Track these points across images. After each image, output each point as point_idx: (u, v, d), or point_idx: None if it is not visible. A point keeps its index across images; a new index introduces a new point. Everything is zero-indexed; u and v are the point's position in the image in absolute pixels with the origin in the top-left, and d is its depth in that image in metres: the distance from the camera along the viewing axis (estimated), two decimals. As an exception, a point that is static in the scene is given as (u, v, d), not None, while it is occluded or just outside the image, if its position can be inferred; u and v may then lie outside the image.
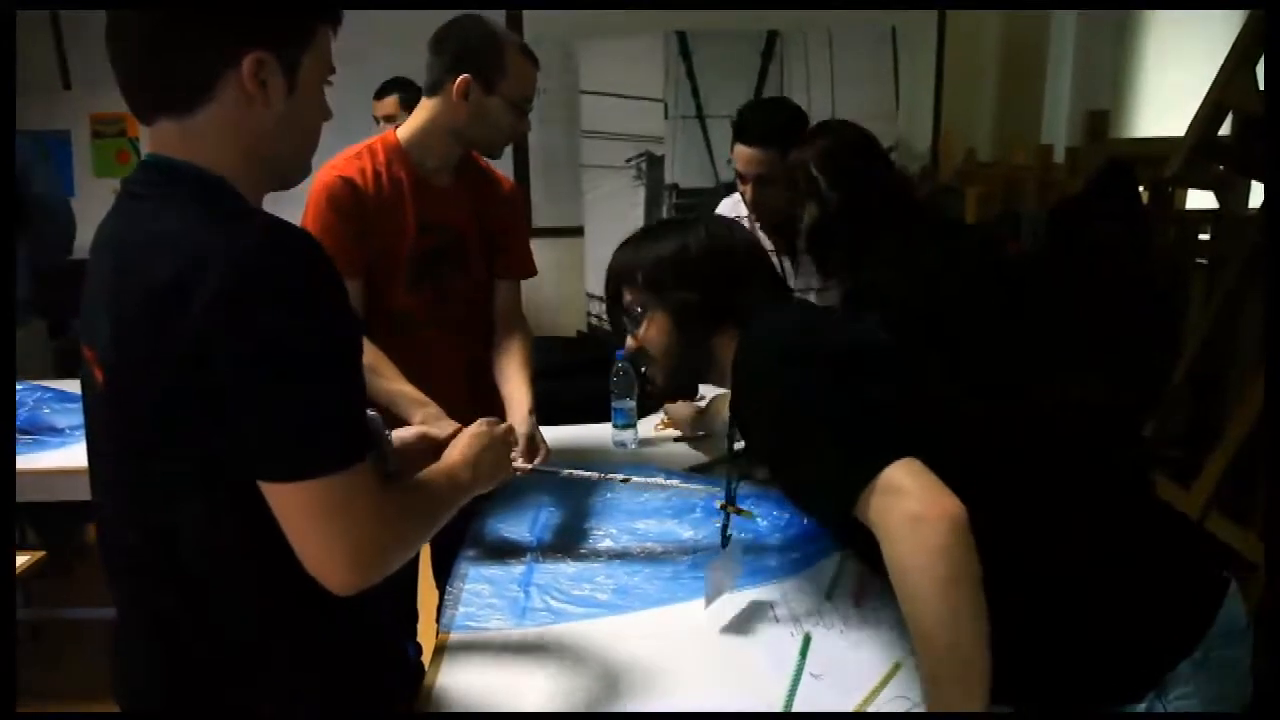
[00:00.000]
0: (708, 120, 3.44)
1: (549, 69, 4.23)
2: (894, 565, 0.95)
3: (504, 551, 1.53)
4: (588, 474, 1.57)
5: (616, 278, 1.38)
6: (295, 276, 0.82)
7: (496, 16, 3.64)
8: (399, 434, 1.30)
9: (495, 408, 1.96)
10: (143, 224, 0.87)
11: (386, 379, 1.58)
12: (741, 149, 2.00)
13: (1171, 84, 3.01)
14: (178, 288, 0.79)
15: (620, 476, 1.58)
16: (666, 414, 2.06)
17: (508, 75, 1.62)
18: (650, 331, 1.35)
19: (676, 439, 2.02)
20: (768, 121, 2.02)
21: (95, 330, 0.90)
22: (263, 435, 0.82)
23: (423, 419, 1.50)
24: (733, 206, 2.18)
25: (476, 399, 1.84)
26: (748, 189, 2.02)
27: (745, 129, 2.01)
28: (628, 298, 1.38)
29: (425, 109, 1.66)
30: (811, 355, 1.12)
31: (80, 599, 2.84)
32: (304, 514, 0.84)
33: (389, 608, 1.10)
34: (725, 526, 1.45)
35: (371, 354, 1.58)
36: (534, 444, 1.61)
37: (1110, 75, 3.34)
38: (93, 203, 4.00)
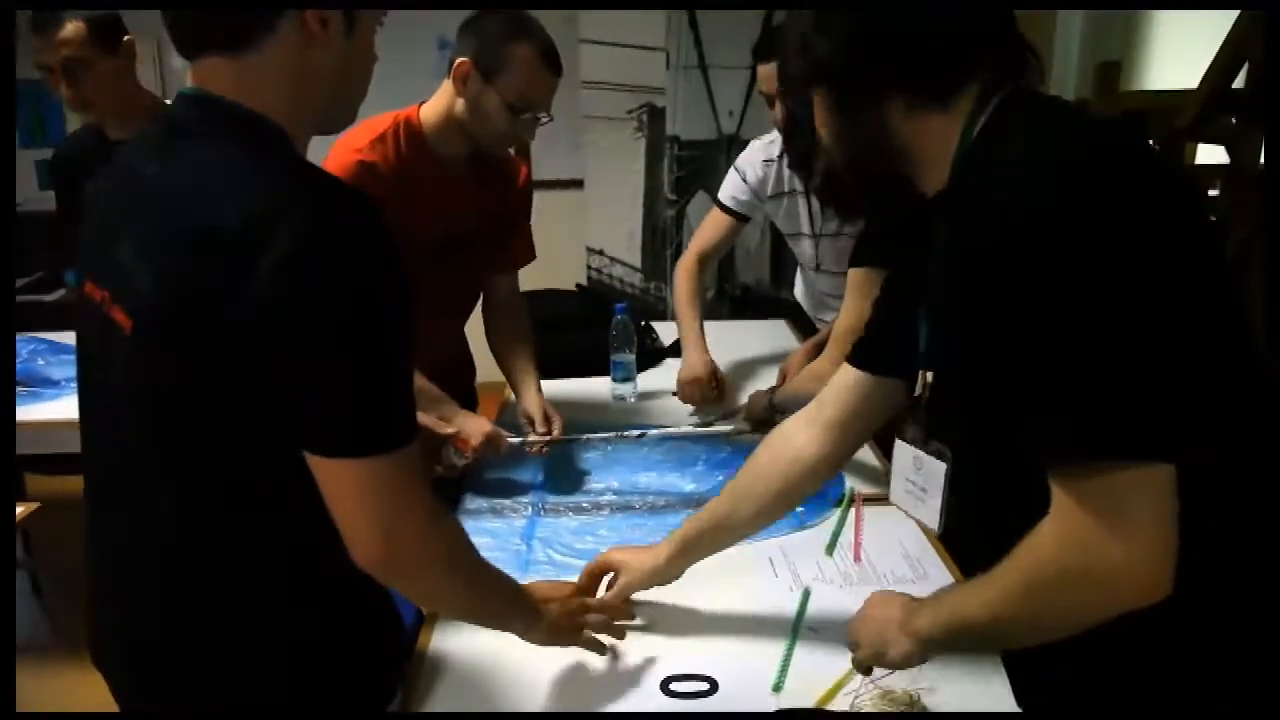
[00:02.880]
0: (710, 70, 3.37)
1: (547, 17, 4.15)
2: (1039, 585, 0.81)
3: (505, 506, 1.53)
4: (605, 436, 1.57)
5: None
6: (372, 243, 0.79)
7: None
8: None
9: (468, 385, 1.95)
10: (192, 163, 0.82)
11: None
12: (762, 68, 1.90)
13: (1186, 34, 2.94)
14: (244, 237, 0.75)
15: (635, 432, 1.56)
16: (747, 409, 1.84)
17: (507, 70, 1.48)
18: (818, 119, 0.96)
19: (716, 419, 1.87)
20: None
21: (120, 272, 0.83)
22: (330, 407, 0.79)
23: (438, 414, 1.51)
24: (762, 149, 2.06)
25: (456, 378, 1.83)
26: (776, 111, 1.91)
27: (761, 45, 1.92)
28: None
29: (442, 92, 1.58)
30: (1106, 242, 0.73)
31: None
32: (361, 492, 0.81)
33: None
34: None
35: None
36: (548, 418, 1.66)
37: (1122, 25, 3.27)
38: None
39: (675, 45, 3.37)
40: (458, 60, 1.50)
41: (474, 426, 1.53)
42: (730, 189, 2.06)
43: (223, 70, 0.83)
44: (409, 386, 0.84)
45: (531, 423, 1.66)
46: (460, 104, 1.53)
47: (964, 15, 0.85)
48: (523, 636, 1.06)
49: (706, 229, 2.11)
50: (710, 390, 1.91)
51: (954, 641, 0.92)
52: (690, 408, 1.93)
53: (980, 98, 0.86)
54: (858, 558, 1.36)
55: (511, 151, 1.79)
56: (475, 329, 1.90)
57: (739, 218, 2.08)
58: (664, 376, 2.15)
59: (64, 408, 2.10)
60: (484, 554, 1.35)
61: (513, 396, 1.83)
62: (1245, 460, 0.84)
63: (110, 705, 0.99)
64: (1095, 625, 0.79)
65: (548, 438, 1.62)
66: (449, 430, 1.26)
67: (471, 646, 1.15)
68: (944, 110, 0.87)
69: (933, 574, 1.31)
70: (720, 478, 1.59)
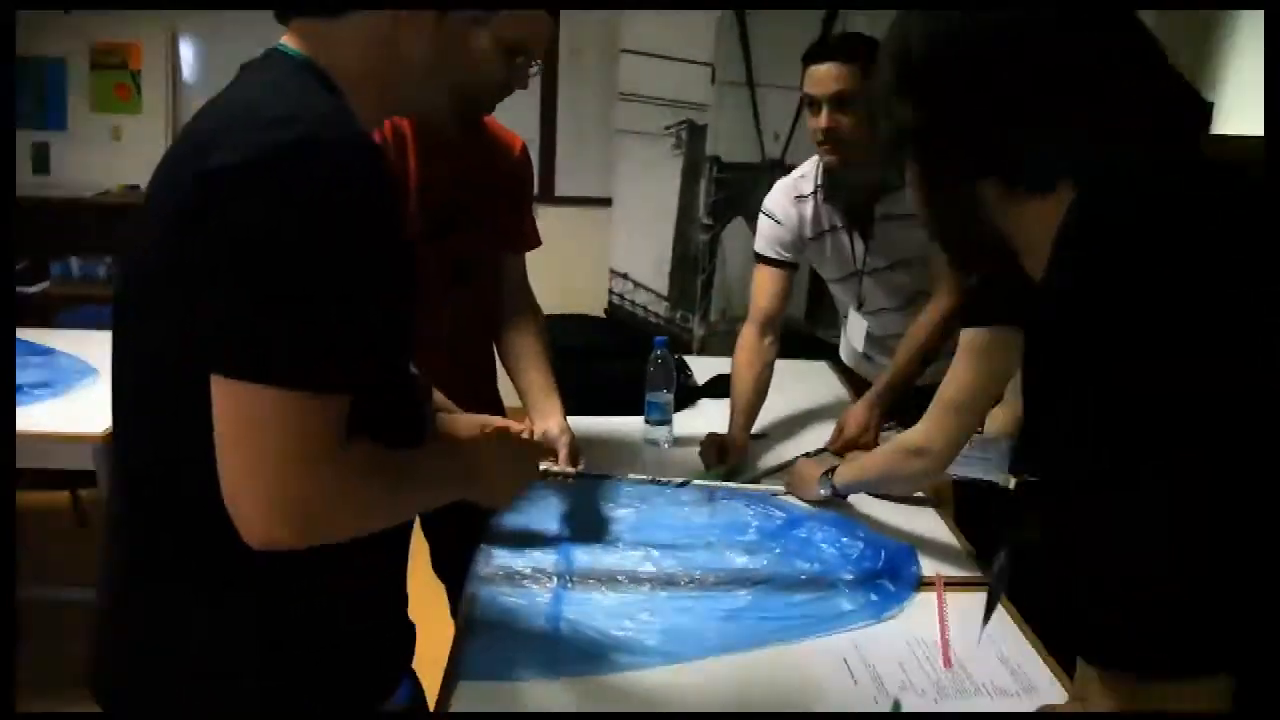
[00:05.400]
0: (758, 89, 3.16)
1: (585, 23, 4.00)
2: None
3: (524, 574, 1.29)
4: (640, 479, 1.43)
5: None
6: (348, 167, 0.75)
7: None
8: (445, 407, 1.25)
9: (478, 381, 1.70)
10: (224, 97, 0.84)
11: None
12: (814, 69, 1.72)
13: (1257, 79, 2.78)
14: (209, 143, 0.75)
15: (677, 480, 1.39)
16: (791, 480, 1.61)
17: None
18: (909, 181, 0.83)
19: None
20: (845, 39, 1.78)
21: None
22: (234, 318, 0.73)
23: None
24: (790, 187, 1.91)
25: (460, 371, 1.57)
26: (820, 118, 1.72)
27: (816, 48, 1.75)
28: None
29: None
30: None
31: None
32: (230, 422, 0.73)
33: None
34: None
35: None
36: (575, 453, 1.43)
37: (1190, 71, 3.10)
38: (87, 139, 3.78)
39: (723, 60, 3.16)
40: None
41: None
42: (767, 238, 1.88)
43: (310, 32, 0.85)
44: (334, 331, 0.74)
45: (553, 451, 1.44)
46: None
47: (1061, 97, 0.69)
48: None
49: (758, 292, 1.90)
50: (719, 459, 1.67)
51: None
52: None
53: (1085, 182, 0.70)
54: (947, 662, 1.14)
55: (517, 141, 1.64)
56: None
57: (788, 266, 1.88)
58: (698, 419, 1.92)
59: (30, 417, 1.89)
60: (500, 643, 1.15)
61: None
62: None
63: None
64: None
65: (574, 470, 1.41)
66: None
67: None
68: (1044, 197, 0.71)
69: (1040, 685, 1.09)
70: (776, 550, 1.36)
